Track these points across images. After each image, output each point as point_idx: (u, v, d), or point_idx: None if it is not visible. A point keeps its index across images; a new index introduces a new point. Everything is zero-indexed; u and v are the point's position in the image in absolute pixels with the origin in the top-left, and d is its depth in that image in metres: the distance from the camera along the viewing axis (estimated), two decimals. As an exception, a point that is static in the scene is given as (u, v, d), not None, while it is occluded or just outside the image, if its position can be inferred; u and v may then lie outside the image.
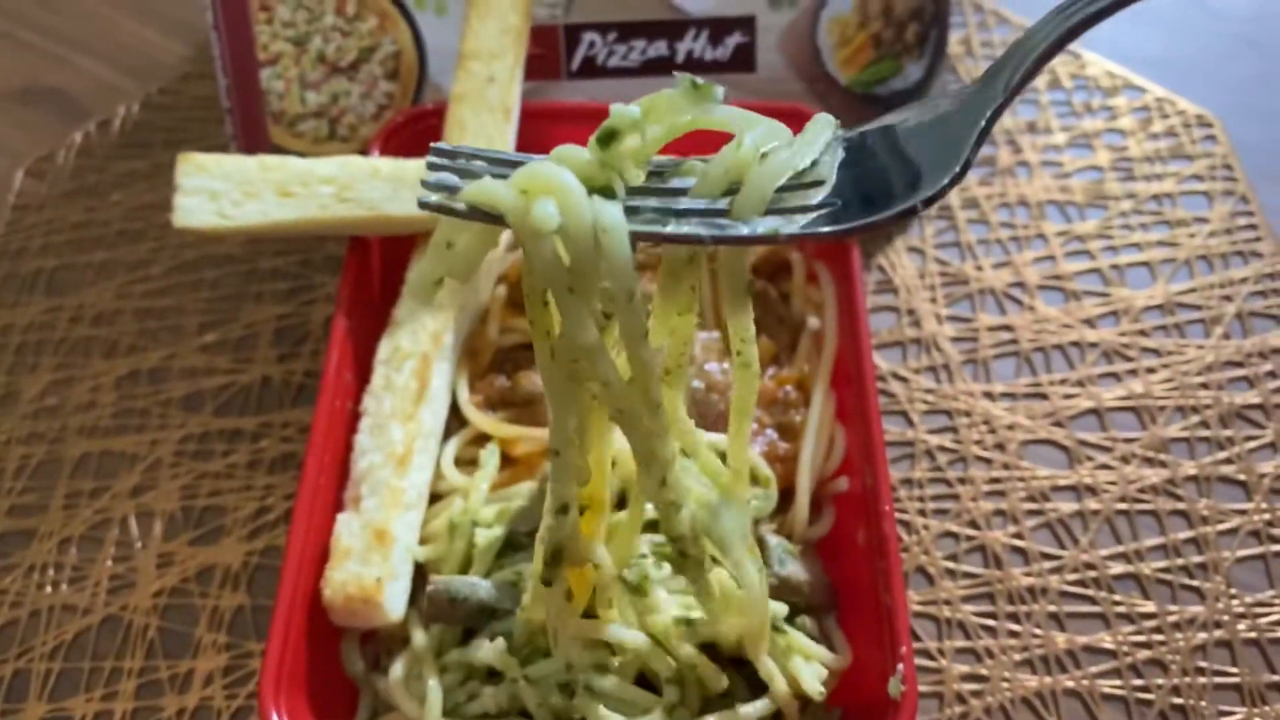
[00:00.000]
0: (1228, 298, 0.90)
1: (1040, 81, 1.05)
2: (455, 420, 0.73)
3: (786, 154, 0.51)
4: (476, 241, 0.51)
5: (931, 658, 0.73)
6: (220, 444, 0.84)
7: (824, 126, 0.53)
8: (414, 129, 0.82)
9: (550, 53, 0.91)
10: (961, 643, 0.74)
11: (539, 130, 0.82)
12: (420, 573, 0.68)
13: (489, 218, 0.49)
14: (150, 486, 0.82)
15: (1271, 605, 0.75)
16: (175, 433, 0.85)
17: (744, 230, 0.50)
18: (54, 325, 0.91)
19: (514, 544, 0.67)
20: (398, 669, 0.65)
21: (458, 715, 0.64)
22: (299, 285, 0.93)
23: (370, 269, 0.78)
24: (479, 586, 0.64)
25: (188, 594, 0.77)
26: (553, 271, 0.49)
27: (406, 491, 0.67)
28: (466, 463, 0.72)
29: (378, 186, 0.74)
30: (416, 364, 0.71)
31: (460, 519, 0.67)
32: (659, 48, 0.91)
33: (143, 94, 1.07)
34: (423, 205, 0.51)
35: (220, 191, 0.73)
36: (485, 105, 0.79)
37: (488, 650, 0.63)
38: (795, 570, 0.67)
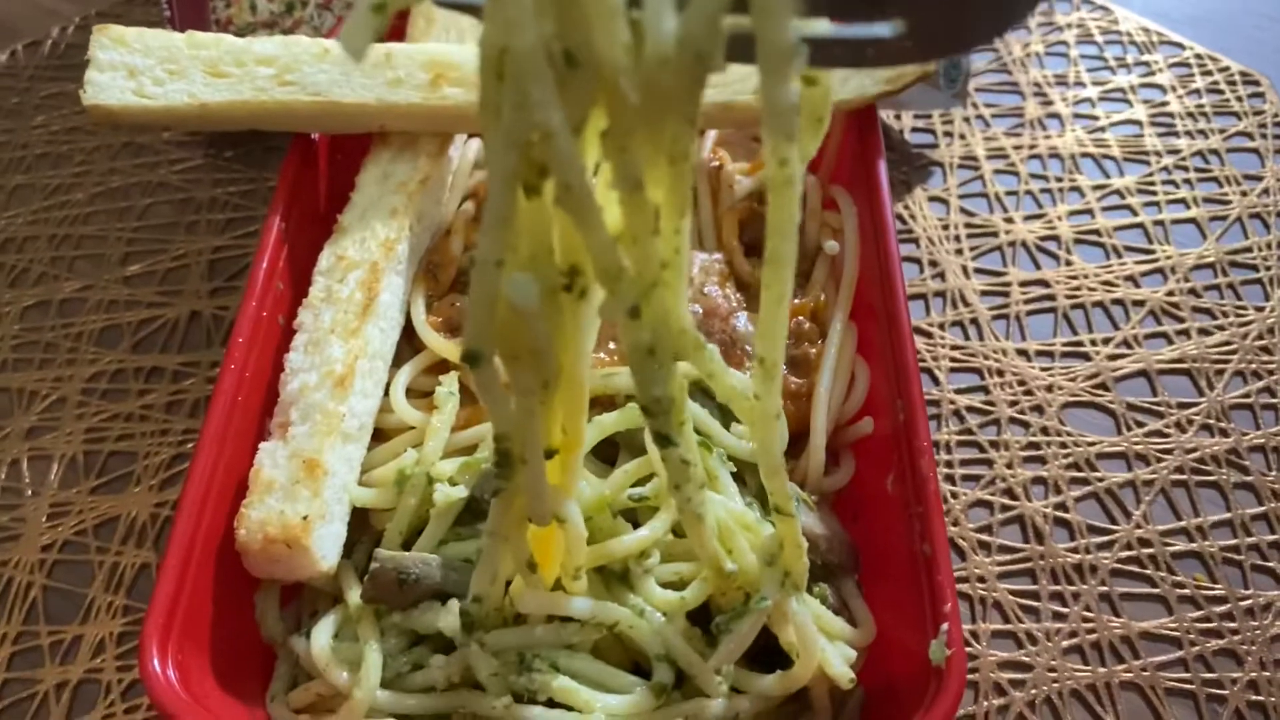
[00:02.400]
0: (1288, 258, 0.80)
1: (1068, 35, 0.96)
2: (408, 346, 0.62)
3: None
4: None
5: (965, 642, 0.61)
6: (136, 383, 0.72)
7: None
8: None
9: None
10: (999, 625, 0.63)
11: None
12: (359, 518, 0.56)
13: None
14: (49, 428, 0.70)
15: (1358, 591, 0.64)
16: (85, 369, 0.73)
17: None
18: (-46, 251, 0.79)
19: (475, 509, 0.55)
20: (325, 629, 0.53)
21: (398, 687, 0.52)
22: (239, 216, 0.81)
23: (315, 175, 0.67)
24: (432, 566, 0.53)
25: (83, 549, 0.65)
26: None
27: (345, 419, 0.55)
28: (420, 394, 0.60)
29: (326, 70, 0.63)
30: (364, 274, 0.59)
31: (413, 470, 0.55)
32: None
33: (79, 16, 0.96)
34: None
35: (140, 68, 0.62)
36: (457, -5, 0.69)
37: (442, 615, 0.51)
38: (811, 522, 0.55)
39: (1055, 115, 0.90)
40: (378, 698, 0.50)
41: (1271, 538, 0.66)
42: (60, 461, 0.68)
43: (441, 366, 0.60)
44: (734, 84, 0.64)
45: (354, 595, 0.53)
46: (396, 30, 0.69)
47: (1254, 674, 0.61)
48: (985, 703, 0.60)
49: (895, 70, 0.65)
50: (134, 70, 0.62)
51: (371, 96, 0.62)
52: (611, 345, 0.59)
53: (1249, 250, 0.81)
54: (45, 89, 0.90)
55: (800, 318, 0.63)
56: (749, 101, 0.64)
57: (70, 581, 0.64)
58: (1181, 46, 0.95)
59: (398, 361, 0.61)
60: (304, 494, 0.52)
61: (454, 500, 0.53)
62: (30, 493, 0.67)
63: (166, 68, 0.62)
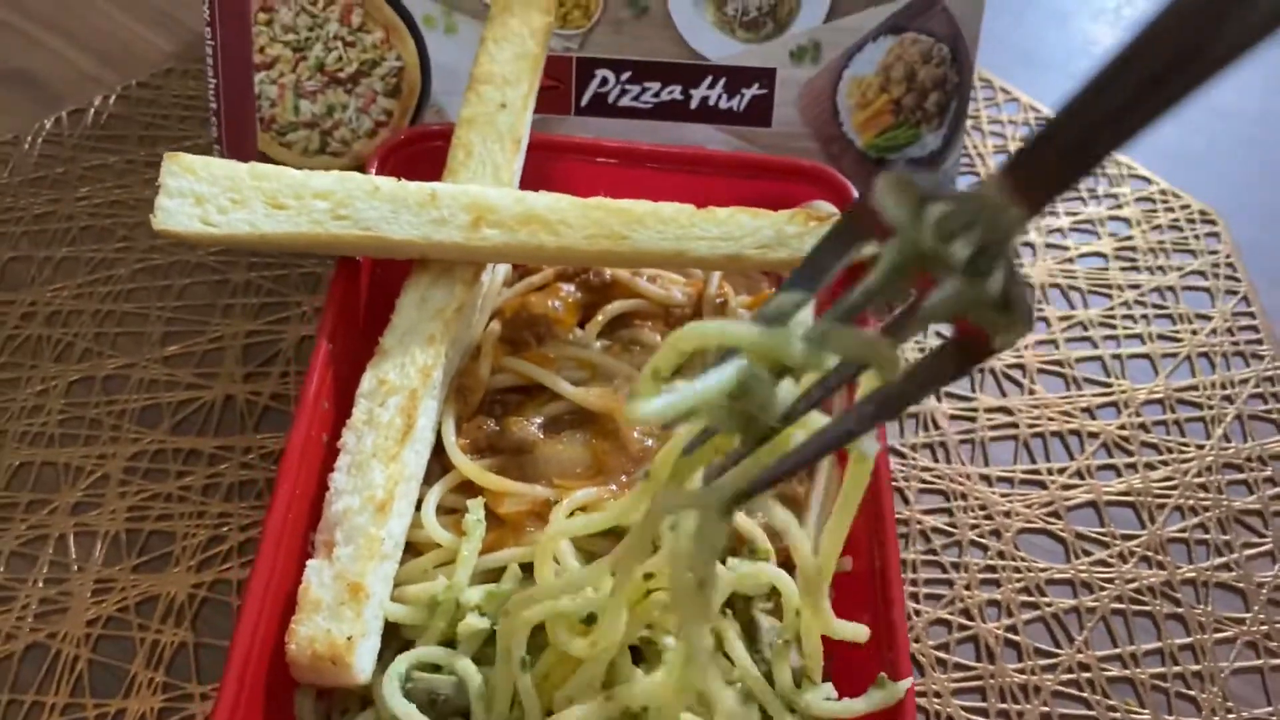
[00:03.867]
0: (1228, 398, 0.88)
1: (1047, 162, 1.03)
2: (436, 464, 0.69)
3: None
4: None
5: (919, 754, 0.69)
6: (175, 464, 0.78)
7: None
8: (415, 149, 0.78)
9: (561, 85, 0.87)
10: (950, 739, 0.70)
11: (543, 163, 0.79)
12: (389, 627, 0.62)
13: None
14: (94, 504, 0.76)
15: (1268, 722, 0.72)
16: (127, 448, 0.79)
17: None
18: (3, 321, 0.85)
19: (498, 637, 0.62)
20: (358, 730, 0.60)
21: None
22: (273, 301, 0.87)
23: (357, 291, 0.73)
24: (462, 689, 0.59)
25: (125, 625, 0.71)
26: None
27: (384, 541, 0.61)
28: (446, 510, 0.67)
29: (376, 206, 0.69)
30: (403, 400, 0.66)
31: (444, 596, 0.62)
32: (673, 92, 0.87)
33: (121, 85, 1.01)
34: None
35: (206, 196, 0.68)
36: (494, 132, 0.75)
37: None
38: (791, 659, 0.62)
39: (1028, 244, 0.97)
40: (406, 802, 0.57)
41: (1195, 668, 0.74)
42: (104, 539, 0.74)
43: (469, 486, 0.67)
44: (743, 239, 0.71)
45: (384, 704, 0.60)
46: (437, 158, 0.75)
47: (1171, 795, 0.69)
48: (935, 811, 0.68)
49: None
50: (200, 198, 0.68)
51: (417, 234, 0.69)
52: (624, 477, 0.66)
53: (1195, 388, 0.89)
54: (88, 160, 0.96)
55: (791, 455, 0.70)
56: (755, 255, 0.71)
57: (114, 656, 0.70)
58: (1149, 180, 1.03)
59: (427, 478, 0.67)
60: (348, 614, 0.58)
61: (478, 630, 0.60)
62: (76, 568, 0.73)
63: (230, 196, 0.68)
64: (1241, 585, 0.78)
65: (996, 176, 0.42)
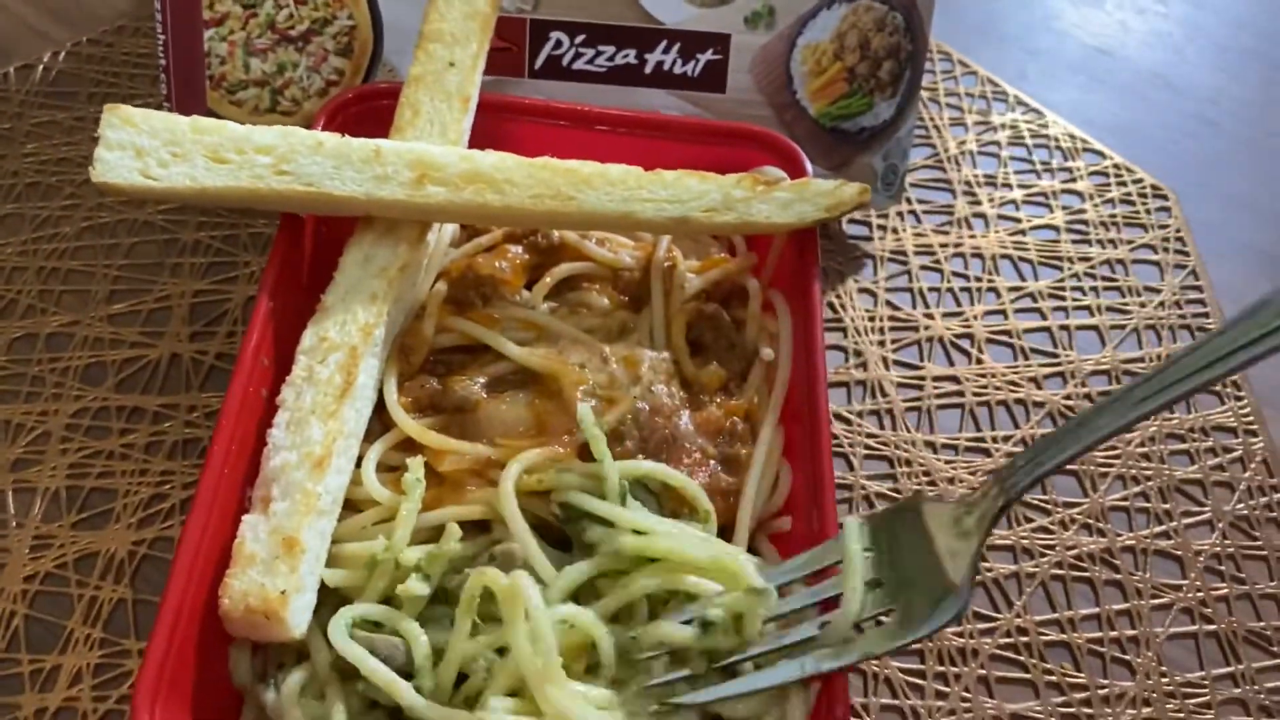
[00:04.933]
0: (1173, 370, 0.89)
1: (1002, 136, 1.04)
2: (378, 422, 0.68)
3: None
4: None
5: (857, 714, 0.70)
6: (118, 422, 0.78)
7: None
8: (363, 107, 0.77)
9: (515, 48, 0.87)
10: (888, 700, 0.71)
11: (493, 124, 0.78)
12: (328, 587, 0.62)
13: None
14: (34, 461, 0.75)
15: (1200, 687, 0.73)
16: (69, 405, 0.78)
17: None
18: (-55, 277, 0.84)
19: (440, 596, 0.62)
20: (292, 682, 0.59)
21: (357, 745, 0.59)
22: (221, 261, 0.87)
23: (301, 249, 0.73)
24: (399, 649, 0.59)
25: (63, 582, 0.71)
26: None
27: (321, 497, 0.61)
28: (387, 468, 0.67)
29: (319, 162, 0.68)
30: (343, 357, 0.65)
31: (383, 555, 0.61)
32: (628, 55, 0.87)
33: (71, 42, 1.00)
34: None
35: (147, 149, 0.67)
36: (443, 91, 0.75)
37: (407, 694, 0.57)
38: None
39: (981, 215, 0.98)
40: (340, 754, 0.57)
41: (1131, 633, 0.75)
42: (44, 496, 0.74)
43: (410, 444, 0.67)
44: (690, 202, 0.71)
45: (321, 658, 0.60)
46: (384, 117, 0.75)
47: (1103, 757, 0.70)
48: (870, 770, 0.68)
49: (835, 199, 0.72)
50: (141, 151, 0.67)
51: (360, 191, 0.68)
52: (566, 438, 0.66)
53: (1141, 360, 0.90)
54: (36, 116, 0.94)
55: (736, 418, 0.70)
56: (703, 218, 0.71)
57: (51, 612, 0.69)
58: (1102, 155, 1.04)
59: (368, 436, 0.67)
60: (283, 569, 0.58)
61: (418, 596, 0.60)
62: (15, 524, 0.73)
63: (171, 150, 0.67)
64: (1180, 553, 0.79)
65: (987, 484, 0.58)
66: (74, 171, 0.91)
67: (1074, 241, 0.97)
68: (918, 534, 0.59)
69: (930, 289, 0.92)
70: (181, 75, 0.86)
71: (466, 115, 0.75)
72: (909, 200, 0.97)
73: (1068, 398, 0.86)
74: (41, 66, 0.98)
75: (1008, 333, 0.90)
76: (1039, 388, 0.87)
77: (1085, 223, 0.98)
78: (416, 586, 0.60)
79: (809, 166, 0.77)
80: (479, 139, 0.75)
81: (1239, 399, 0.87)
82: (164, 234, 0.88)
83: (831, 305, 0.90)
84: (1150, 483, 0.82)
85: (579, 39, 0.87)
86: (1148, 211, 1.00)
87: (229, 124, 0.69)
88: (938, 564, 0.57)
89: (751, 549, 0.67)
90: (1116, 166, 1.03)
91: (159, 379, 0.80)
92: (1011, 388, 0.87)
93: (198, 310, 0.84)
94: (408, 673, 0.59)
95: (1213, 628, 0.76)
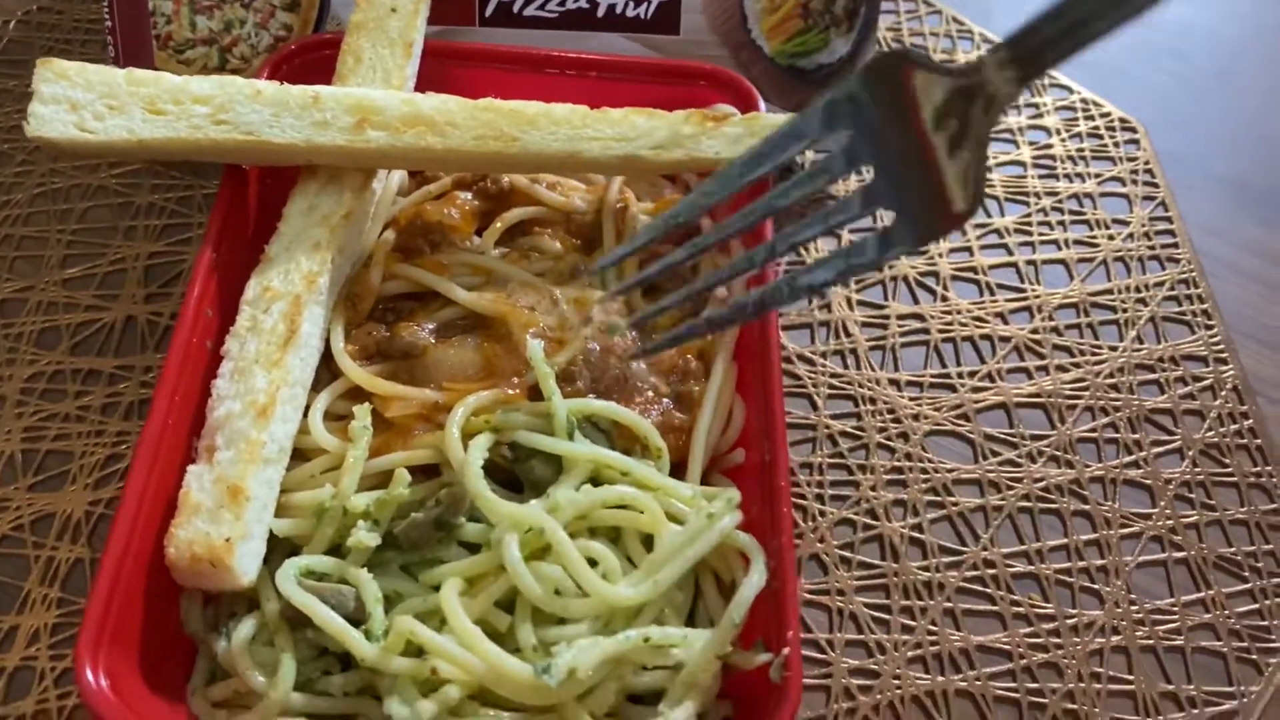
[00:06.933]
0: (1143, 301, 0.88)
1: (968, 74, 1.02)
2: (326, 371, 0.68)
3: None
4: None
5: (821, 650, 0.69)
6: (73, 384, 0.77)
7: None
8: (306, 58, 0.76)
9: (463, -6, 0.85)
10: (853, 635, 0.70)
11: (442, 71, 0.77)
12: (277, 538, 0.62)
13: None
14: (-11, 426, 0.75)
15: (1170, 613, 0.73)
16: (24, 369, 0.77)
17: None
18: (-103, 247, 0.83)
19: (389, 543, 0.61)
20: (243, 631, 0.59)
21: (309, 690, 0.58)
22: (175, 223, 0.86)
23: (245, 201, 0.72)
24: (347, 596, 0.59)
25: (20, 544, 0.70)
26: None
27: (267, 445, 0.61)
28: (335, 417, 0.66)
29: (258, 110, 0.68)
30: (287, 306, 0.65)
31: (331, 504, 0.61)
32: (579, 0, 0.86)
33: (21, 10, 0.99)
34: None
35: (82, 102, 0.66)
36: (385, 37, 0.74)
37: (359, 642, 0.57)
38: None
39: (947, 153, 0.96)
40: (291, 699, 0.57)
41: (1100, 562, 0.75)
42: (-1, 459, 0.73)
43: (358, 392, 0.66)
44: (638, 140, 0.70)
45: (271, 607, 0.59)
46: (328, 66, 0.74)
47: (1071, 685, 0.69)
48: (835, 705, 0.68)
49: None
50: (76, 104, 0.66)
51: (300, 138, 0.67)
52: (515, 380, 0.65)
53: (1110, 292, 0.88)
54: (-13, 85, 0.93)
55: (688, 356, 0.69)
56: (651, 156, 0.70)
57: (7, 574, 0.69)
58: (1070, 90, 1.02)
59: (316, 385, 0.66)
60: (227, 517, 0.58)
61: (367, 546, 0.59)
62: (-30, 488, 0.72)
63: (107, 103, 0.67)
64: (1149, 482, 0.78)
65: (998, 48, 0.48)
66: (25, 139, 0.89)
67: (1041, 176, 0.96)
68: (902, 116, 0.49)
69: (895, 228, 0.91)
70: (128, 35, 0.85)
71: (410, 61, 0.74)
72: (873, 140, 0.96)
73: (1034, 331, 0.85)
74: (-9, 36, 0.97)
75: (973, 269, 0.89)
76: (1005, 323, 0.86)
77: (1053, 157, 0.97)
78: (366, 537, 0.60)
79: (762, 103, 0.76)
80: (425, 87, 0.74)
81: (1209, 328, 0.86)
82: (118, 197, 0.87)
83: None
84: (1119, 413, 0.82)
85: (529, -15, 0.85)
86: (1116, 145, 0.98)
87: (165, 75, 0.68)
88: (936, 176, 0.48)
89: (705, 484, 0.66)
90: (1084, 101, 1.01)
91: (114, 341, 0.79)
92: (977, 323, 0.86)
93: (152, 272, 0.83)
94: (357, 620, 0.58)
95: (1182, 555, 0.75)
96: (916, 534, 0.74)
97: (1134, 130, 1.00)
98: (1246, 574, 0.74)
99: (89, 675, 0.52)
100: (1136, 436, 0.80)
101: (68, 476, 0.73)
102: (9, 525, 0.71)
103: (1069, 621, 0.72)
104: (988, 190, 0.94)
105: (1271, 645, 0.71)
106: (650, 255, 0.69)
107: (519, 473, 0.63)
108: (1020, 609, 0.72)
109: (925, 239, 0.54)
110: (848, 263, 0.55)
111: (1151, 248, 0.92)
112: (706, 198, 0.59)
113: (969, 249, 0.90)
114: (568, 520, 0.59)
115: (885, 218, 0.52)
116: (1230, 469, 0.79)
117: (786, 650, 0.55)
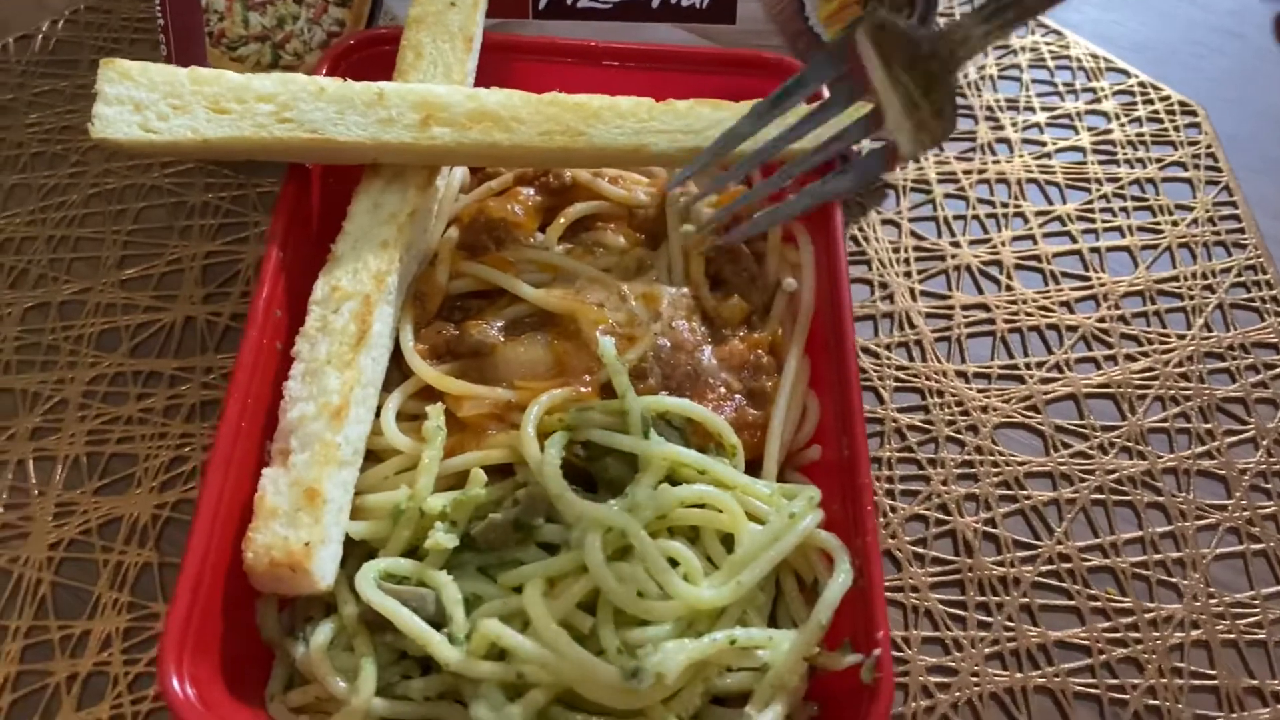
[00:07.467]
0: (1210, 288, 0.86)
1: (1022, 59, 1.01)
2: (396, 370, 0.67)
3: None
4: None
5: (898, 647, 0.68)
6: (135, 387, 0.77)
7: None
8: (365, 53, 0.75)
9: (517, -14, 0.84)
10: (929, 632, 0.69)
11: (501, 64, 0.76)
12: (353, 540, 0.61)
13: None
14: (53, 429, 0.74)
15: (1250, 606, 0.71)
16: (85, 372, 0.77)
17: None
18: (-45, 250, 0.83)
19: (466, 542, 0.61)
20: (321, 635, 0.58)
21: (389, 695, 0.58)
22: (231, 222, 0.85)
23: (309, 200, 0.71)
24: (427, 600, 0.58)
25: (88, 548, 0.70)
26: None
27: (341, 447, 0.60)
28: (408, 418, 0.65)
29: (322, 107, 0.67)
30: (357, 306, 0.64)
31: (407, 505, 0.60)
32: (634, -10, 0.85)
33: (69, 10, 0.98)
34: None
35: (146, 103, 0.66)
36: (445, 31, 0.73)
37: (441, 646, 0.56)
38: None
39: (1005, 140, 0.95)
40: (373, 705, 0.56)
41: (1176, 555, 0.73)
42: (64, 463, 0.73)
43: (429, 391, 0.65)
44: (705, 132, 0.69)
45: (349, 611, 0.58)
46: (387, 62, 0.73)
47: (1153, 681, 0.68)
48: (914, 704, 0.67)
49: (853, 121, 0.70)
50: (139, 105, 0.65)
51: (365, 135, 0.67)
52: (587, 377, 0.64)
53: (1175, 279, 0.87)
54: (38, 85, 0.93)
55: (759, 351, 0.68)
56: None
57: (77, 578, 0.69)
58: (1126, 74, 1.01)
59: (387, 385, 0.66)
60: (305, 520, 0.57)
61: (445, 548, 0.58)
62: (37, 492, 0.72)
63: (170, 103, 0.66)
64: (1223, 472, 0.77)
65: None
66: (78, 139, 0.89)
67: (1101, 162, 0.94)
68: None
69: (956, 217, 0.90)
70: (180, 33, 0.84)
71: (471, 55, 0.73)
72: (929, 128, 0.95)
73: (1101, 320, 0.84)
74: (40, 35, 0.96)
75: (1037, 257, 0.88)
76: (1071, 312, 0.85)
77: (1112, 143, 0.95)
78: (444, 539, 0.59)
79: (825, 90, 0.75)
80: (485, 82, 0.73)
81: (1279, 314, 0.85)
82: (172, 197, 0.86)
83: (854, 239, 0.87)
84: (1190, 403, 0.80)
85: (583, -24, 0.84)
86: (1176, 129, 0.97)
87: (227, 73, 0.67)
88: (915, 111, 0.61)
89: (782, 481, 0.65)
90: (1142, 84, 1.00)
91: (174, 342, 0.79)
92: (1043, 313, 0.84)
93: (210, 272, 0.82)
94: (437, 623, 0.58)
95: (1260, 546, 0.74)
96: (989, 528, 0.73)
97: (1194, 113, 0.98)
98: (1327, 566, 0.73)
99: (174, 683, 0.52)
100: (1209, 426, 0.79)
101: (133, 480, 0.73)
102: (77, 529, 0.70)
103: (1147, 616, 0.71)
104: (1048, 178, 0.93)
105: (1356, 638, 0.70)
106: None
107: (593, 471, 0.62)
108: (1097, 603, 0.71)
109: (915, 152, 0.63)
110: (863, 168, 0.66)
111: (1216, 233, 0.90)
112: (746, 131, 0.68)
113: (1032, 237, 0.89)
114: (648, 520, 0.58)
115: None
116: (1306, 458, 0.78)
117: (878, 651, 0.54)
